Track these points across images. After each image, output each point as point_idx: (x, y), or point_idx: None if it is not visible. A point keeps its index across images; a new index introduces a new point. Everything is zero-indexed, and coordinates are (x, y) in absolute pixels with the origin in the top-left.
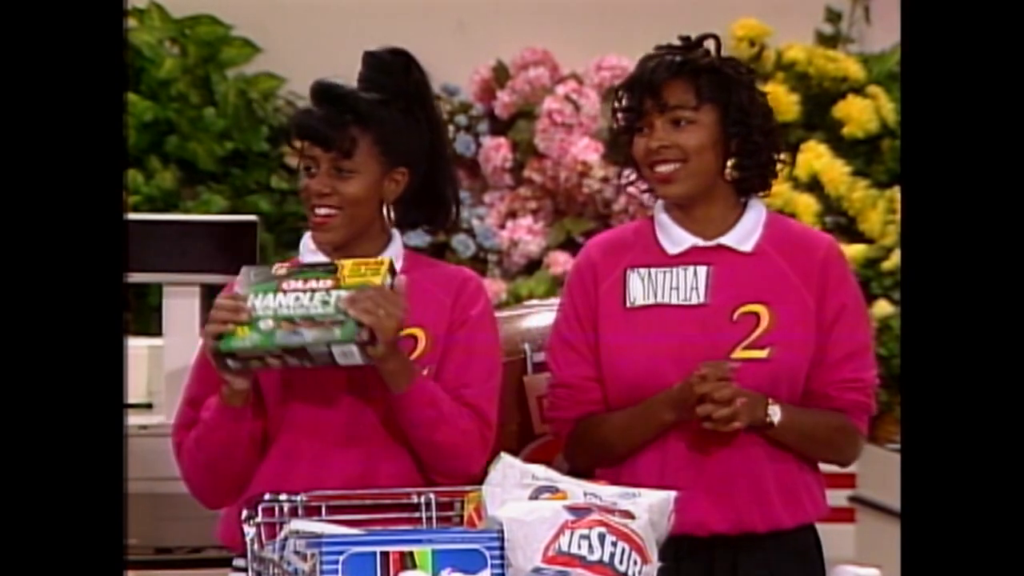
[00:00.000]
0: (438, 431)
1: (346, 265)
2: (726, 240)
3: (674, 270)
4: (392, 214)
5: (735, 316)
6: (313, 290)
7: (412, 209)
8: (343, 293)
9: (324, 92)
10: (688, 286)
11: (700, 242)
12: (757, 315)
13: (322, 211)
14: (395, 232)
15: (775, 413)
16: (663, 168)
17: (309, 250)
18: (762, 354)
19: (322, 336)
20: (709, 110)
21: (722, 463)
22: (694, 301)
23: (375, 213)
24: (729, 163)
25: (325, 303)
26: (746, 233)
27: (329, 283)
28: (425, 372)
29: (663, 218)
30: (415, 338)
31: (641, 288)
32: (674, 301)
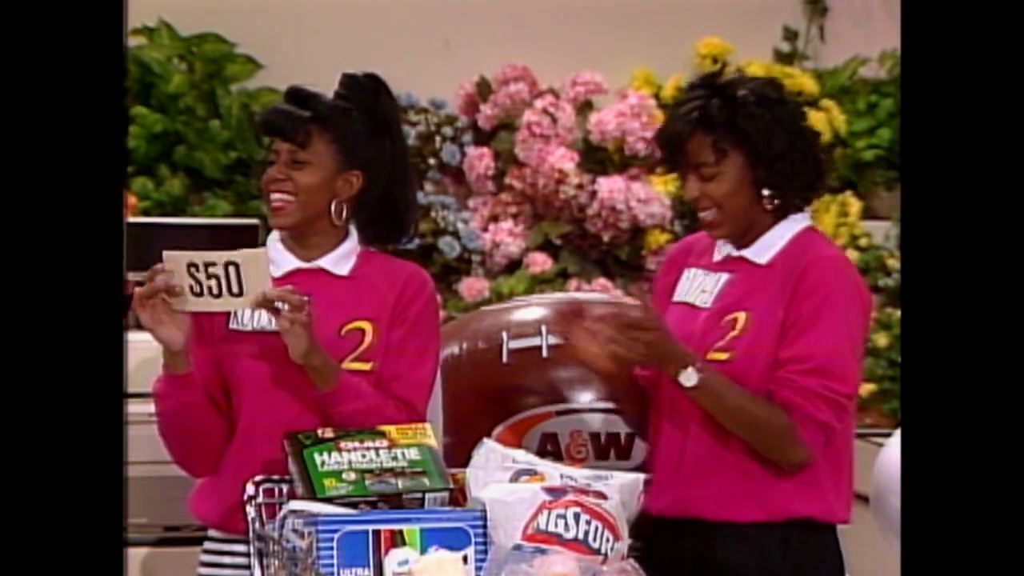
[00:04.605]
0: (368, 421)
1: (391, 430)
2: (746, 252)
3: (709, 275)
4: (344, 211)
5: (722, 321)
6: (376, 448)
7: (371, 226)
8: (407, 451)
9: (291, 93)
10: (708, 291)
11: (733, 252)
12: (735, 320)
13: (276, 196)
14: (351, 229)
15: (688, 378)
16: (703, 215)
17: (272, 241)
18: (723, 356)
19: (414, 484)
20: (732, 159)
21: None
22: (706, 305)
23: (326, 207)
24: (765, 194)
25: (395, 459)
26: (765, 247)
27: (385, 442)
28: (370, 365)
29: None
30: (363, 331)
31: (685, 287)
32: (697, 303)
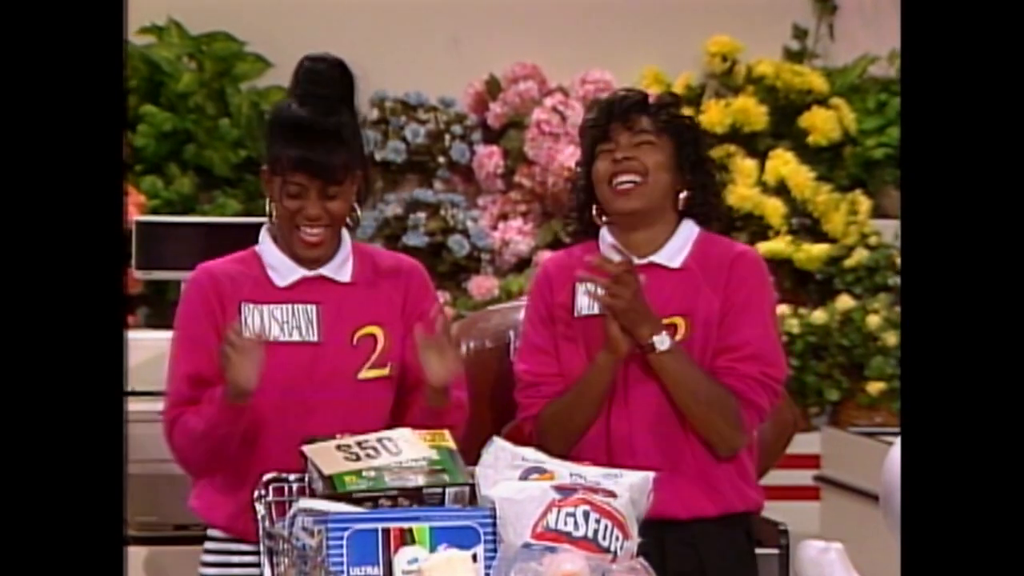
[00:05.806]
0: (447, 419)
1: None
2: (656, 258)
3: None
4: (359, 211)
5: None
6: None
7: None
8: (427, 452)
9: (310, 126)
10: None
11: (637, 260)
12: (674, 326)
13: (314, 231)
14: (344, 232)
15: (662, 342)
16: (625, 179)
17: (268, 246)
18: None
19: (435, 480)
20: (667, 140)
21: (654, 450)
22: None
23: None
24: (683, 195)
25: (415, 459)
26: (675, 251)
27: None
28: (388, 369)
29: (607, 239)
30: (374, 337)
31: (587, 301)
32: None
